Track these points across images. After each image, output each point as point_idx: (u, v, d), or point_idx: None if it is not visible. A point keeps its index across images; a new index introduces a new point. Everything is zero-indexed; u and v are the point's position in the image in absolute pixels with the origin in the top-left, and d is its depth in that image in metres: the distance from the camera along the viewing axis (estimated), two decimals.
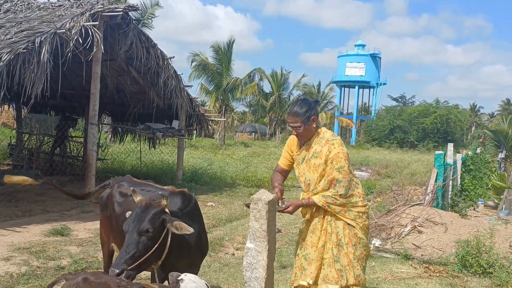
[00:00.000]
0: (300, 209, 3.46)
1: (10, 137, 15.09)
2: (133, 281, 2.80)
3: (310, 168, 3.40)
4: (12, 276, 5.03)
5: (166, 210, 3.13)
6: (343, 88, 58.17)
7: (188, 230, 3.01)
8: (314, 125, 3.44)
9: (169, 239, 3.07)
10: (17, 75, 7.33)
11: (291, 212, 3.35)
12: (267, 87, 44.88)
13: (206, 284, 2.39)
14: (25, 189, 10.32)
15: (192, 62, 32.63)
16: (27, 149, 13.88)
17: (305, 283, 3.35)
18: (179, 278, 2.40)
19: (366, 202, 3.50)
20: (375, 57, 55.14)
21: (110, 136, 17.15)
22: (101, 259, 5.67)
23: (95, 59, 9.34)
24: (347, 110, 61.76)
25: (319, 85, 51.13)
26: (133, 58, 10.27)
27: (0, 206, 8.51)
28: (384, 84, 56.06)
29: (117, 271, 2.81)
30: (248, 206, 3.54)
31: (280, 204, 3.37)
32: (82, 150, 13.84)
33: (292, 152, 3.69)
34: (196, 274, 3.82)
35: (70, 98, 13.57)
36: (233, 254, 6.81)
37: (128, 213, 3.13)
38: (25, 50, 7.32)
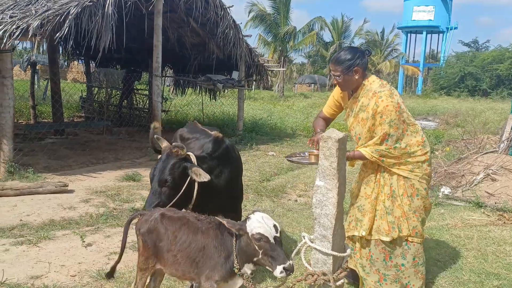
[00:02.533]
0: (348, 162, 3.34)
1: (81, 90, 15.88)
2: None
3: (359, 122, 3.24)
4: (92, 216, 5.43)
5: (192, 157, 3.17)
6: (409, 34, 54.78)
7: (205, 177, 3.05)
8: (357, 77, 3.19)
9: (196, 184, 3.14)
10: (84, 29, 7.54)
11: None
12: (327, 36, 43.70)
13: (274, 226, 2.38)
14: (97, 139, 10.96)
15: (249, 12, 32.15)
16: (97, 102, 14.60)
17: (358, 234, 3.34)
18: (249, 216, 2.44)
19: (426, 150, 3.29)
20: None
21: (172, 89, 17.56)
22: None
23: (156, 10, 9.40)
24: (413, 57, 58.55)
25: (382, 31, 48.75)
26: (192, 8, 10.23)
27: (76, 154, 9.11)
28: (455, 28, 52.10)
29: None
30: (289, 160, 3.52)
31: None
32: (147, 102, 14.31)
33: (338, 101, 3.55)
34: (233, 217, 3.92)
35: (134, 52, 13.91)
36: (296, 200, 6.87)
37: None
38: (91, 3, 7.47)
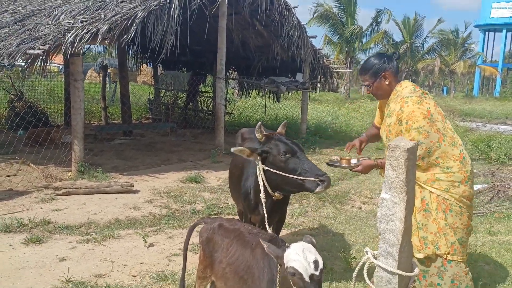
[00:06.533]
0: (379, 170, 3.16)
1: (149, 93, 16.47)
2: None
3: (385, 128, 3.07)
4: (155, 217, 5.53)
5: None
6: (487, 33, 51.59)
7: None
8: (387, 82, 3.08)
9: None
10: (150, 32, 7.75)
11: (360, 172, 3.13)
12: (397, 36, 42.19)
13: (315, 261, 2.07)
14: (163, 141, 11.27)
15: (314, 13, 31.86)
16: (164, 104, 15.06)
17: None
18: (287, 244, 2.22)
19: (466, 168, 2.95)
20: None
21: (237, 91, 17.72)
22: (231, 205, 5.94)
23: (220, 13, 9.49)
24: (491, 57, 55.10)
25: (456, 30, 46.22)
26: (257, 10, 10.20)
27: (143, 155, 9.41)
28: None
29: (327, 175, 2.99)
30: (329, 164, 3.31)
31: (352, 162, 3.22)
32: (211, 104, 14.54)
33: (383, 111, 3.38)
34: (278, 219, 3.74)
35: (199, 55, 14.20)
36: (360, 208, 6.59)
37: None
38: (157, 7, 7.67)
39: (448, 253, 2.95)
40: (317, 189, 2.96)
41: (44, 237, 4.64)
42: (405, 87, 3.06)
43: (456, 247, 2.95)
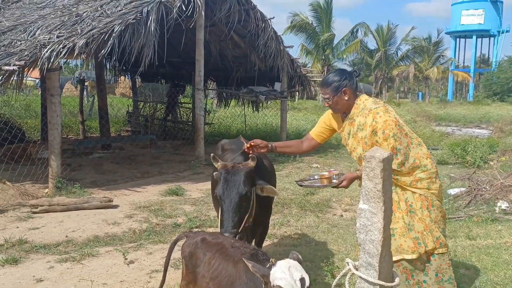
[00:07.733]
0: (359, 182, 3.22)
1: (128, 105, 16.32)
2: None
3: (359, 142, 3.16)
4: (135, 232, 5.45)
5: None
6: (458, 39, 53.27)
7: (277, 193, 3.18)
8: (346, 98, 3.19)
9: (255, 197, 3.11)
10: (127, 45, 7.72)
11: (346, 187, 3.20)
12: (371, 44, 43.16)
13: (301, 279, 2.06)
14: (142, 153, 11.16)
15: (291, 22, 32.28)
16: (143, 116, 14.95)
17: None
18: (274, 262, 2.20)
19: (434, 163, 3.19)
20: (495, 2, 49.28)
21: (216, 101, 17.70)
22: (213, 218, 5.91)
23: (198, 25, 9.52)
24: (463, 63, 56.73)
25: (429, 37, 47.36)
26: (233, 22, 10.29)
27: (122, 169, 9.29)
28: (507, 31, 50.45)
29: (230, 236, 2.82)
30: (300, 185, 3.33)
31: (334, 179, 3.20)
32: (191, 115, 14.48)
33: (329, 126, 3.49)
34: (262, 232, 3.70)
35: (177, 66, 14.18)
36: (341, 216, 6.63)
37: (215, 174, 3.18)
38: (134, 21, 7.65)
39: (435, 248, 3.06)
40: None
41: (21, 258, 4.52)
42: (365, 100, 3.19)
43: (441, 240, 3.09)
